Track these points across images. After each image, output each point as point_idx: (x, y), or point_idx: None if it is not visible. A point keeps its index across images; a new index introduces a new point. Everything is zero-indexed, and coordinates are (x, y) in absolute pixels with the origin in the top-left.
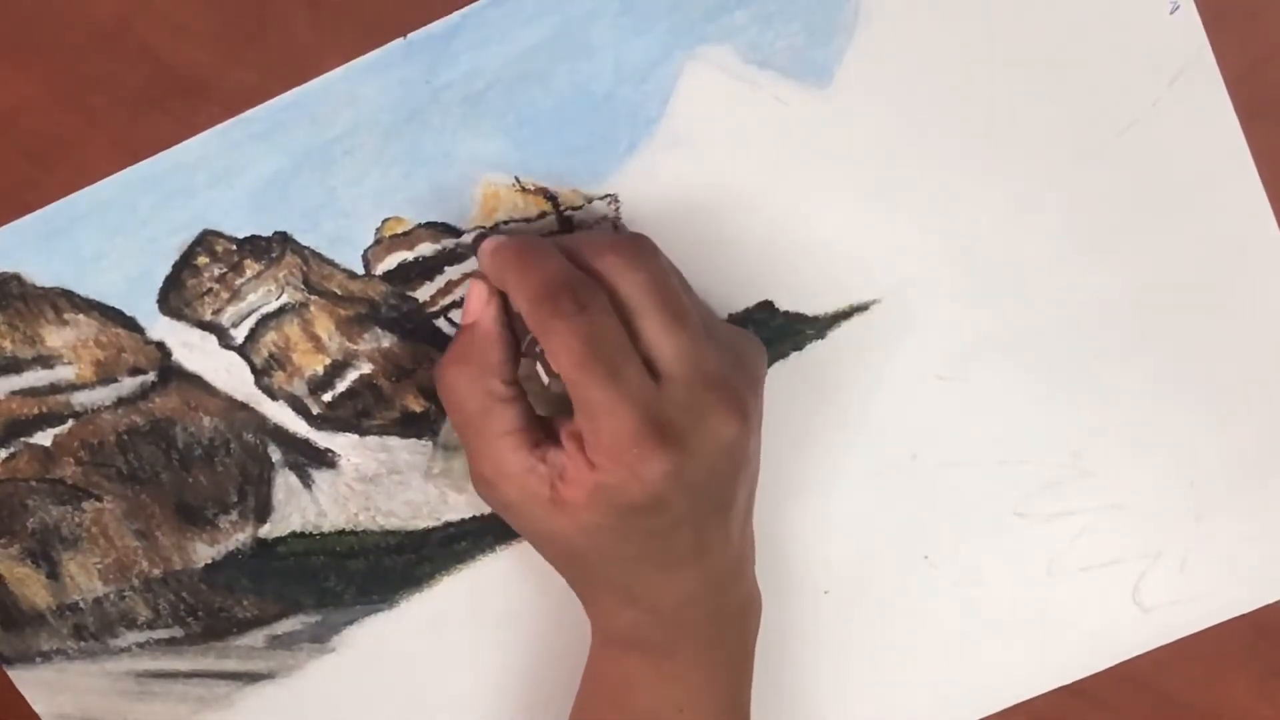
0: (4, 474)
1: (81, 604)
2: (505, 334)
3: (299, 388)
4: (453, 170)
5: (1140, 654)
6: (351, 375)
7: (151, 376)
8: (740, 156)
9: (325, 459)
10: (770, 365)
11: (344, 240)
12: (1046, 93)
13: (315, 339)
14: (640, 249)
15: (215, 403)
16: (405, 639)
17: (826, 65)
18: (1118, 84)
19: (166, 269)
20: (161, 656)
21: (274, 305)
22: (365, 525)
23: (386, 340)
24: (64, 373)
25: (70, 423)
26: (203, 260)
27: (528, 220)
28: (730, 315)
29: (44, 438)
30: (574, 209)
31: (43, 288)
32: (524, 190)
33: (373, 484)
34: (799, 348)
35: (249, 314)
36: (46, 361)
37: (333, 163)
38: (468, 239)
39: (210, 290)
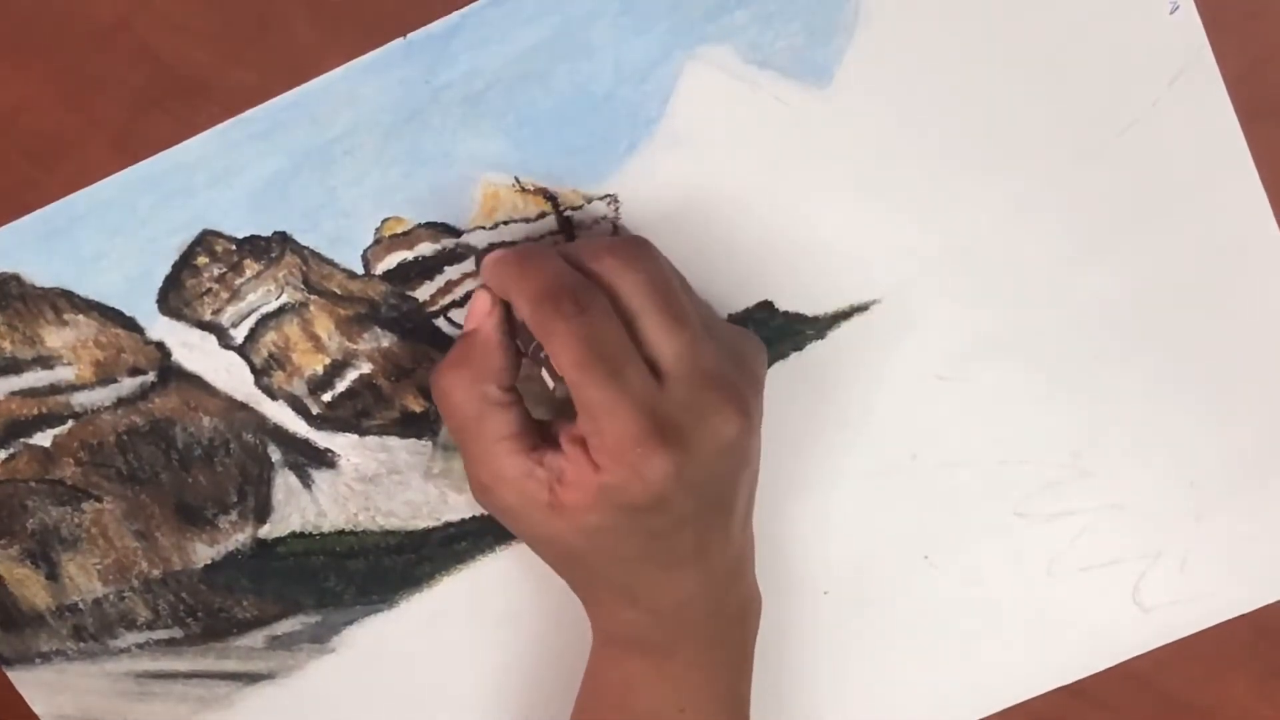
0: (4, 474)
1: (81, 605)
2: (506, 341)
3: (299, 388)
4: (453, 170)
5: (1140, 654)
6: (351, 375)
7: (151, 377)
8: (740, 156)
9: (325, 459)
10: (770, 365)
11: (344, 240)
12: (1046, 93)
13: (315, 339)
14: (639, 251)
15: (215, 403)
16: (405, 639)
17: (826, 65)
18: (1118, 84)
19: (166, 269)
20: (161, 657)
21: (274, 305)
22: (365, 525)
23: (386, 340)
24: (64, 373)
25: (70, 423)
26: (202, 260)
27: (527, 220)
28: (730, 315)
29: (44, 438)
30: (574, 209)
31: (43, 288)
32: (524, 190)
33: (373, 484)
34: (799, 348)
35: (249, 314)
36: (46, 362)
37: (333, 163)
38: (468, 239)
39: (210, 290)
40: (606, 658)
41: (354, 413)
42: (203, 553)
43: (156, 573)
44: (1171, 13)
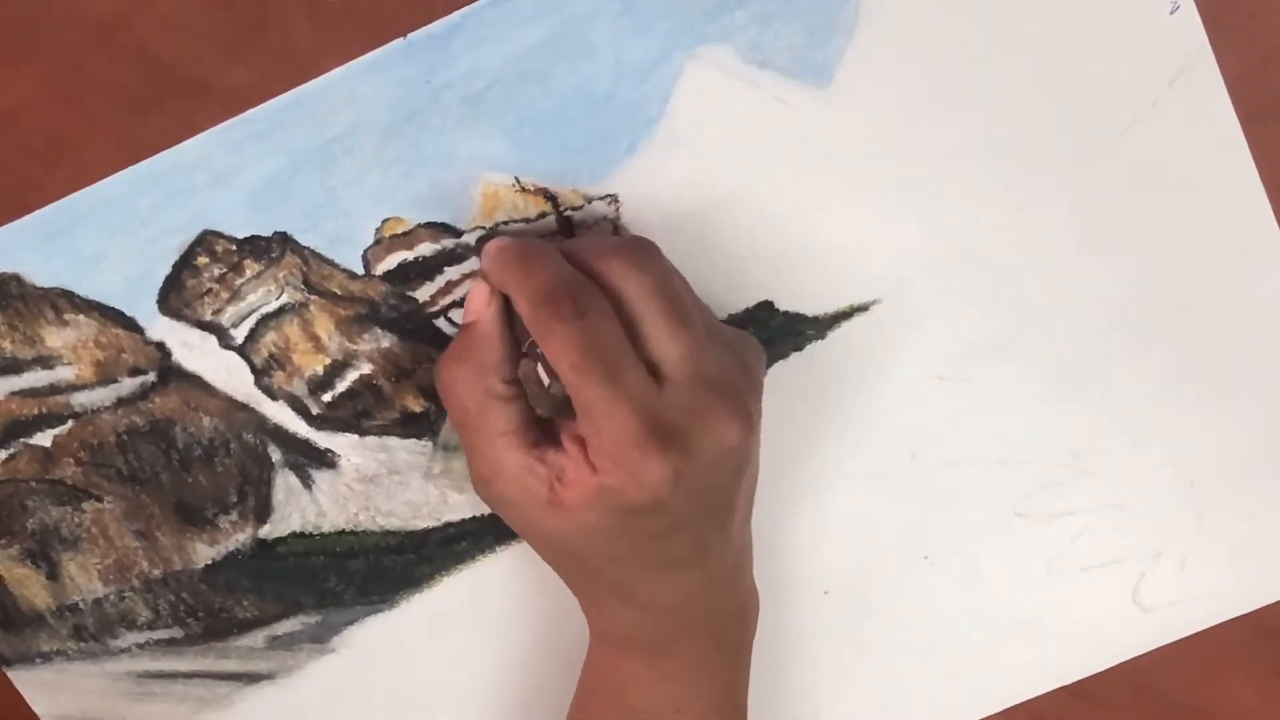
0: (4, 474)
1: (81, 604)
2: (505, 334)
3: (299, 388)
4: (453, 170)
5: (1140, 654)
6: (351, 375)
7: (151, 377)
8: (740, 156)
9: (325, 459)
10: (770, 365)
11: (344, 240)
12: (1046, 93)
13: (315, 339)
14: (643, 252)
15: (215, 403)
16: (405, 639)
17: (826, 65)
18: (1118, 84)
19: (166, 269)
20: (161, 657)
21: (274, 305)
22: (365, 525)
23: (386, 340)
24: (64, 373)
25: (70, 423)
26: (203, 260)
27: (528, 220)
28: (730, 315)
29: (44, 438)
30: (574, 209)
31: (43, 288)
32: (524, 190)
33: (373, 484)
34: (799, 348)
35: (249, 314)
36: (46, 362)
37: (333, 163)
38: (468, 239)
39: (210, 290)
40: (603, 657)
41: (354, 413)
42: (203, 553)
43: (157, 572)
44: (1171, 13)
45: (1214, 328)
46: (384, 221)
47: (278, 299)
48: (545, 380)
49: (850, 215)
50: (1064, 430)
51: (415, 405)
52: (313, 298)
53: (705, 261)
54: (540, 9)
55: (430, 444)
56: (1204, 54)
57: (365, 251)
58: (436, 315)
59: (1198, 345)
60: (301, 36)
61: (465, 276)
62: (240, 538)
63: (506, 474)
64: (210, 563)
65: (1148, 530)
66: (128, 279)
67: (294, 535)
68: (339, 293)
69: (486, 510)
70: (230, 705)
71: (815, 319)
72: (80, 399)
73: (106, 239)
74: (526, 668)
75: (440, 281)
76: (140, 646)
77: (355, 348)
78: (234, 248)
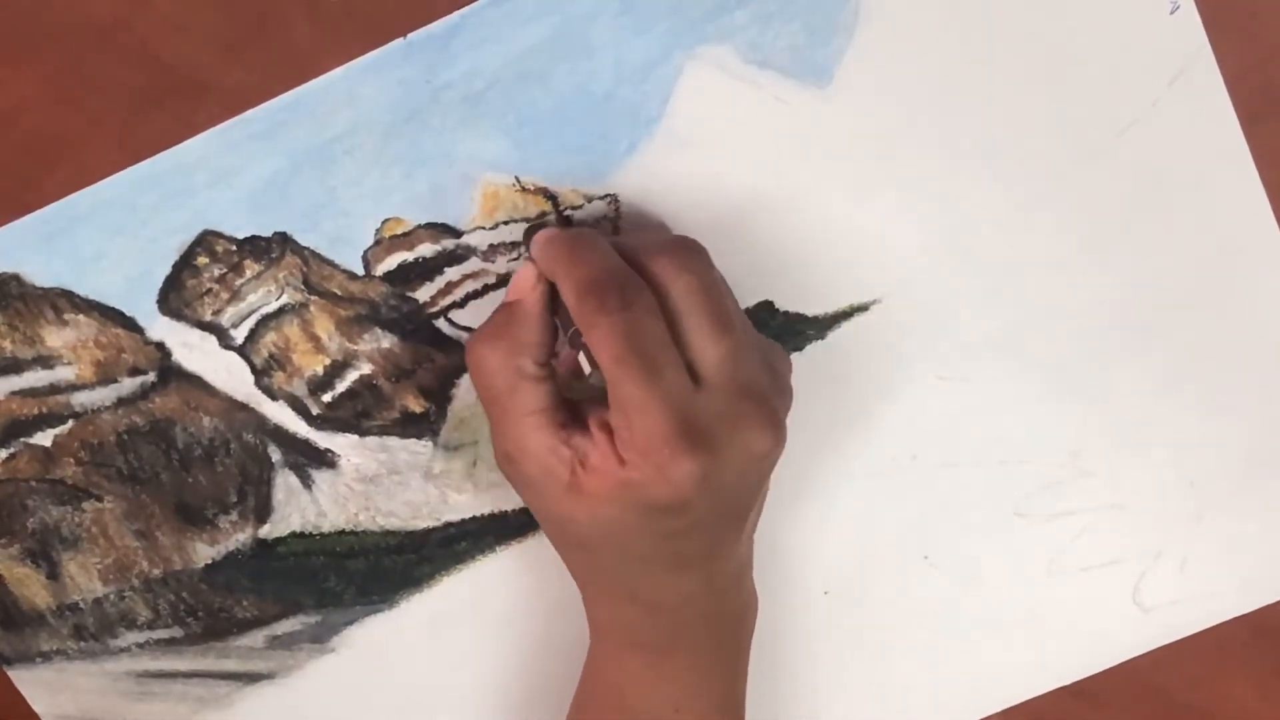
0: (4, 474)
1: (81, 604)
2: (546, 317)
3: (299, 388)
4: (453, 170)
5: (1140, 654)
6: (351, 376)
7: (151, 377)
8: (740, 156)
9: (325, 459)
10: None
11: (344, 240)
12: (1046, 93)
13: (315, 339)
14: (693, 253)
15: (215, 403)
16: (405, 639)
17: (826, 65)
18: (1118, 84)
19: (166, 269)
20: (161, 656)
21: (274, 306)
22: (365, 525)
23: (386, 341)
24: (64, 373)
25: (70, 423)
26: (203, 260)
27: (528, 220)
28: None
29: (44, 438)
30: (574, 209)
31: (43, 288)
32: (524, 190)
33: (373, 484)
34: (799, 348)
35: (249, 314)
36: (46, 362)
37: (333, 163)
38: (468, 239)
39: (210, 290)
40: (603, 656)
41: (354, 413)
42: (203, 552)
43: (157, 572)
44: (1171, 13)
45: (1214, 328)
46: (384, 222)
47: (278, 299)
48: (586, 369)
49: (850, 215)
50: (1064, 430)
51: (415, 405)
52: (313, 298)
53: None
54: (540, 9)
55: (430, 444)
56: (1204, 54)
57: (365, 252)
58: (436, 316)
59: (1198, 345)
60: (301, 36)
61: (465, 277)
62: (240, 538)
63: (530, 453)
64: (210, 562)
65: (1148, 530)
66: (128, 279)
67: (294, 535)
68: (339, 293)
69: (486, 510)
70: (230, 705)
71: (815, 319)
72: (80, 399)
73: (106, 239)
74: (526, 668)
75: (440, 282)
76: (140, 646)
77: (355, 348)
78: (234, 248)
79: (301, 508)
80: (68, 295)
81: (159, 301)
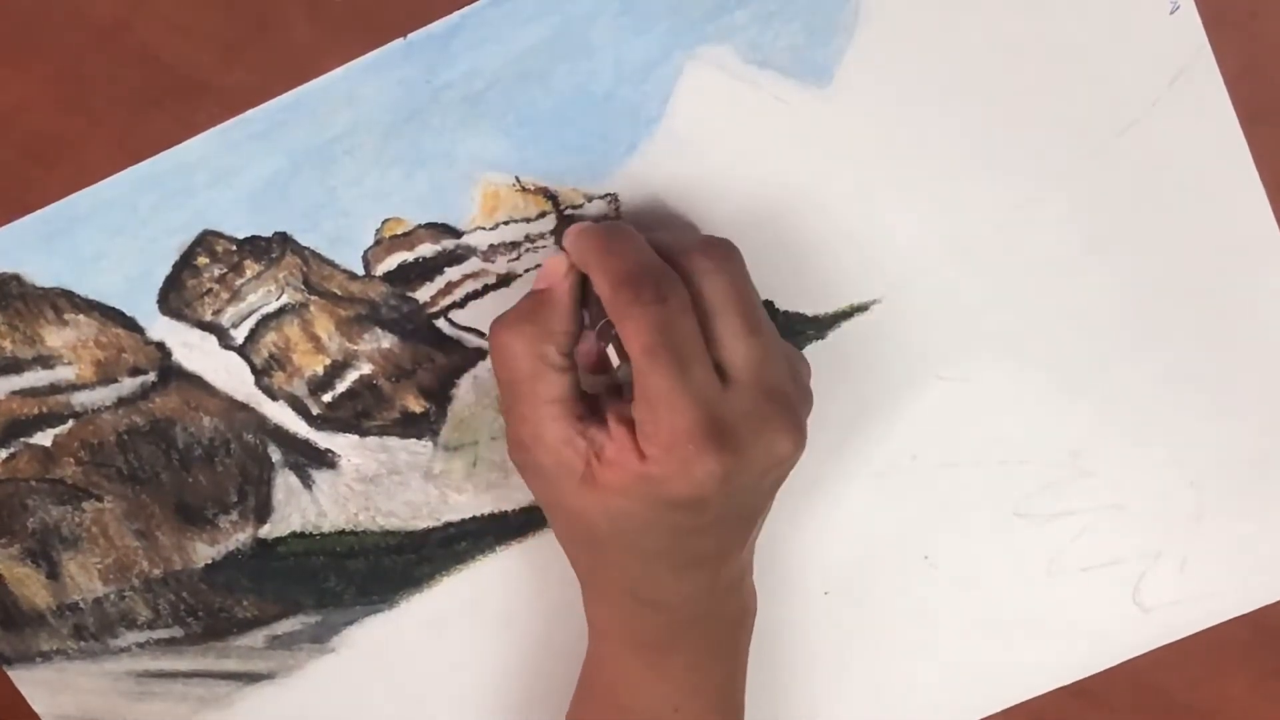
0: (4, 474)
1: (81, 604)
2: (575, 307)
3: (299, 388)
4: (453, 170)
5: (1140, 654)
6: (351, 376)
7: (151, 376)
8: (740, 156)
9: (325, 459)
10: None
11: (344, 240)
12: (1046, 92)
13: (315, 339)
14: (728, 253)
15: (215, 403)
16: (405, 639)
17: (826, 65)
18: (1118, 84)
19: (166, 269)
20: (161, 656)
21: (274, 306)
22: (365, 525)
23: (386, 341)
24: (64, 373)
25: (70, 423)
26: (203, 260)
27: (528, 220)
28: None
29: (44, 438)
30: (574, 208)
31: (43, 288)
32: (524, 190)
33: (373, 484)
34: (799, 348)
35: (249, 314)
36: (46, 361)
37: (333, 163)
38: (468, 239)
39: (210, 290)
40: (602, 656)
41: (354, 413)
42: (203, 552)
43: (157, 572)
44: (1171, 13)
45: (1214, 328)
46: (384, 222)
47: (278, 299)
48: (615, 361)
49: (850, 215)
50: (1064, 430)
51: (415, 405)
52: (313, 298)
53: None
54: (540, 9)
55: (430, 444)
56: (1204, 54)
57: (365, 252)
58: (436, 316)
59: (1198, 345)
60: (301, 36)
61: (466, 277)
62: (240, 538)
63: (546, 442)
64: (210, 562)
65: (1148, 530)
66: (128, 279)
67: (294, 535)
68: (339, 293)
69: (486, 510)
70: (230, 705)
71: (815, 319)
72: (80, 399)
73: (106, 239)
74: (526, 668)
75: (440, 282)
76: (140, 646)
77: (355, 348)
78: (234, 248)
79: (301, 508)
80: (68, 295)
81: (159, 301)
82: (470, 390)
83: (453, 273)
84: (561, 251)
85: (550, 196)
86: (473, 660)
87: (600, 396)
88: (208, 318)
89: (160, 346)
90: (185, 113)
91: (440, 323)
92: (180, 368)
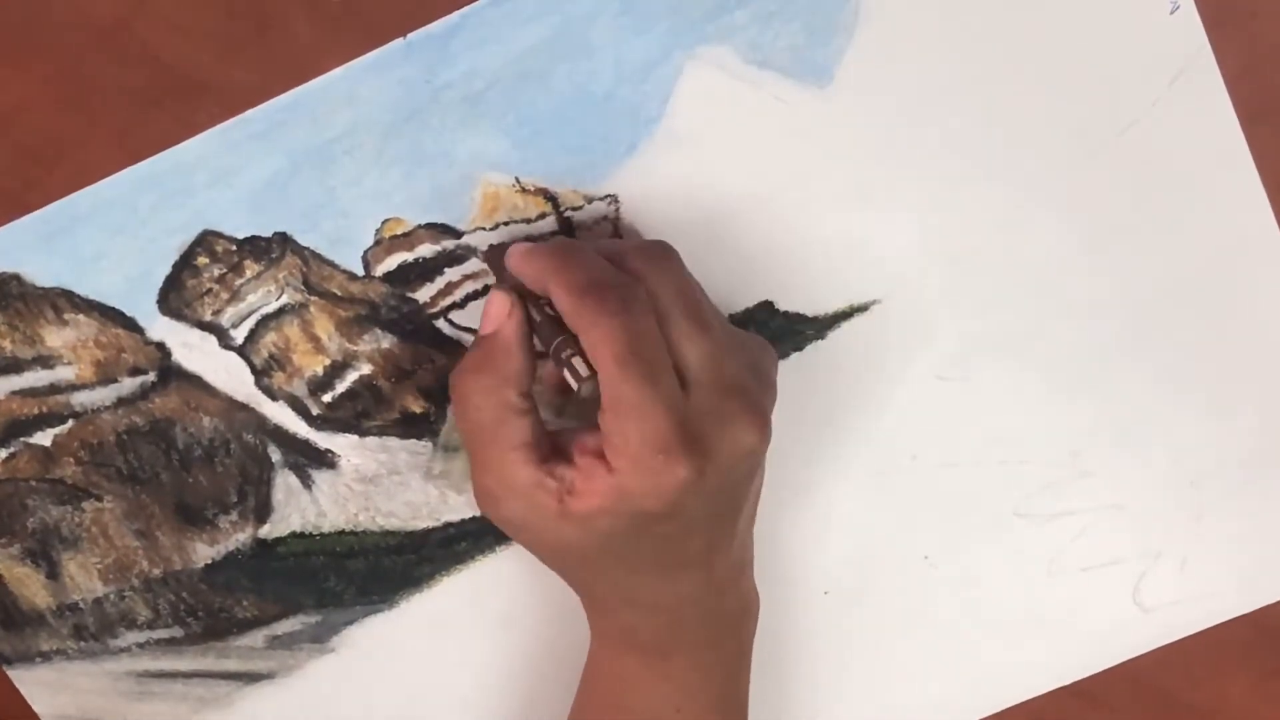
0: (4, 474)
1: (81, 604)
2: (526, 343)
3: (299, 388)
4: (453, 170)
5: (1140, 654)
6: (351, 376)
7: (151, 377)
8: (740, 156)
9: (325, 459)
10: None
11: (344, 241)
12: (1046, 92)
13: (315, 340)
14: (665, 255)
15: (215, 403)
16: (405, 639)
17: (826, 65)
18: (1118, 84)
19: (166, 269)
20: (161, 656)
21: (274, 306)
22: (365, 526)
23: (386, 341)
24: (64, 373)
25: (70, 423)
26: (203, 260)
27: (528, 220)
28: (730, 315)
29: (44, 438)
30: (574, 209)
31: (43, 288)
32: (524, 190)
33: (372, 484)
34: (799, 348)
35: (249, 314)
36: (46, 361)
37: (333, 163)
38: (468, 240)
39: (210, 291)
40: (604, 657)
41: (354, 414)
42: (203, 552)
43: (157, 572)
44: (1171, 13)
45: (1214, 328)
46: (384, 222)
47: (278, 299)
48: (574, 384)
49: (850, 215)
50: (1064, 430)
51: (415, 406)
52: (313, 298)
53: (705, 261)
54: (540, 9)
55: (430, 444)
56: (1204, 54)
57: (365, 252)
58: (436, 316)
59: (1198, 345)
60: (301, 36)
61: (465, 278)
62: (240, 538)
63: (516, 489)
64: (210, 562)
65: (1148, 530)
66: (128, 279)
67: (294, 535)
68: (339, 294)
69: None
70: (230, 705)
71: (815, 319)
72: (80, 399)
73: (106, 239)
74: (526, 668)
75: (440, 282)
76: (140, 646)
77: (355, 348)
78: (234, 248)
79: (301, 508)
80: (68, 295)
81: (159, 301)
82: None
83: (453, 273)
84: (498, 290)
85: (550, 197)
86: (473, 660)
87: (561, 433)
88: (208, 318)
89: (160, 346)
90: (185, 113)
91: (440, 323)
92: (180, 368)
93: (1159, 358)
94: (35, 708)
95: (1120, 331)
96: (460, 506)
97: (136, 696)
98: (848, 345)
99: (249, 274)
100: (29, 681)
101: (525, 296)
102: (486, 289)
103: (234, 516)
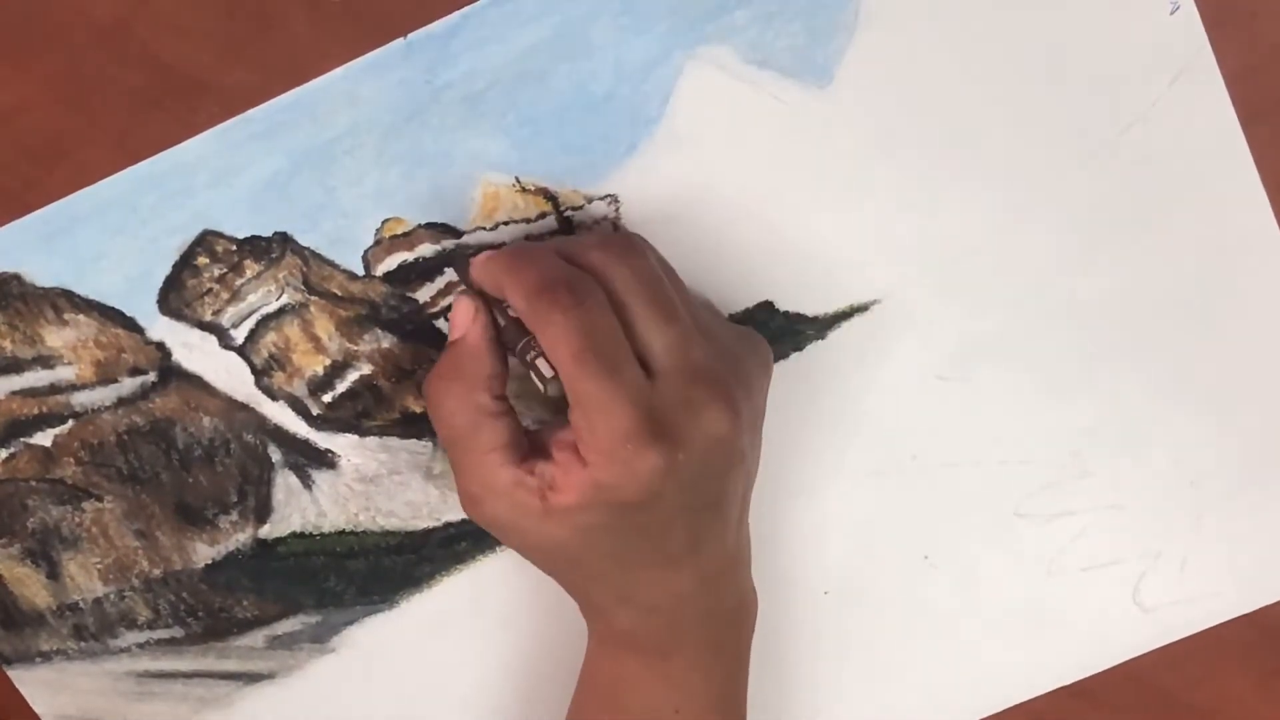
0: (4, 474)
1: (81, 604)
2: (494, 347)
3: (299, 388)
4: (453, 170)
5: (1140, 654)
6: (351, 376)
7: (151, 377)
8: (740, 156)
9: (325, 459)
10: None
11: (344, 241)
12: (1046, 93)
13: (315, 340)
14: (627, 246)
15: (215, 403)
16: (405, 639)
17: (827, 65)
18: (1118, 84)
19: (166, 269)
20: (161, 656)
21: (274, 306)
22: (365, 525)
23: (386, 341)
24: (64, 373)
25: (70, 423)
26: (203, 260)
27: (528, 220)
28: (730, 315)
29: (44, 438)
30: (574, 209)
31: (43, 288)
32: (524, 190)
33: (373, 484)
34: (799, 348)
35: (249, 314)
36: (46, 361)
37: (333, 163)
38: (468, 240)
39: (210, 291)
40: (602, 658)
41: (354, 413)
42: (203, 552)
43: (157, 572)
44: (1171, 13)
45: (1214, 328)
46: (384, 222)
47: (278, 299)
48: (540, 385)
49: (850, 215)
50: (1064, 430)
51: (415, 405)
52: (313, 298)
53: (705, 261)
54: (540, 9)
55: (430, 444)
56: (1204, 54)
57: (365, 252)
58: (436, 316)
59: (1198, 345)
60: (301, 36)
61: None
62: (240, 538)
63: (498, 490)
64: (210, 562)
65: (1148, 530)
66: (128, 279)
67: (294, 535)
68: (339, 293)
69: None
70: (230, 705)
71: (815, 319)
72: (80, 399)
73: (106, 239)
74: (526, 668)
75: (440, 282)
76: (140, 646)
77: (355, 348)
78: (234, 248)
79: (301, 508)
80: (68, 295)
81: (159, 301)
82: None
83: (453, 273)
84: (463, 295)
85: (550, 197)
86: (473, 660)
87: (541, 431)
88: (208, 318)
89: (160, 346)
90: (185, 113)
91: (440, 323)
92: (180, 368)
93: (1159, 358)
94: (35, 708)
95: (1120, 331)
96: (460, 506)
97: (136, 696)
98: (848, 345)
99: (249, 274)
100: (29, 681)
101: (491, 302)
102: None
103: (234, 516)
